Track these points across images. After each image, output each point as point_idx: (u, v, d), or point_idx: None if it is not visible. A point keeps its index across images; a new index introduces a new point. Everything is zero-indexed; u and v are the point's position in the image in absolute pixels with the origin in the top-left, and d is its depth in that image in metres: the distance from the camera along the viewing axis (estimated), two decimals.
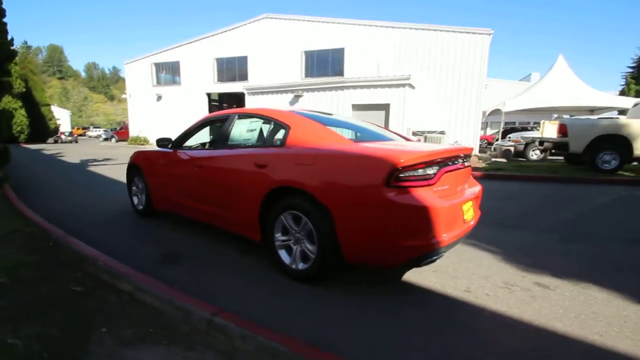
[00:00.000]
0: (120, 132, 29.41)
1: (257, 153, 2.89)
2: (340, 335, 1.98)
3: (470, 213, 2.62)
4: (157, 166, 4.15)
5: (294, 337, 1.80)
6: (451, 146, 2.46)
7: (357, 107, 13.91)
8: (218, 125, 4.12)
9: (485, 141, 22.17)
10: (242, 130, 3.46)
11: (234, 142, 3.38)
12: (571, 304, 2.37)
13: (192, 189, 3.57)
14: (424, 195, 2.18)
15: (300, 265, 2.62)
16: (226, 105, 26.38)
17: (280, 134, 2.85)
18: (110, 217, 4.63)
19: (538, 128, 21.79)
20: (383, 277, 2.78)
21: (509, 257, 3.23)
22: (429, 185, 2.24)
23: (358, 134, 3.08)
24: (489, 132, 29.04)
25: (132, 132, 24.05)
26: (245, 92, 16.70)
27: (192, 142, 4.22)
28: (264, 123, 3.18)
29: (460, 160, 2.63)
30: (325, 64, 17.92)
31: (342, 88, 14.02)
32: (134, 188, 4.73)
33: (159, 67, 22.85)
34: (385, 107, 13.51)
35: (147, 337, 1.86)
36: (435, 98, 15.26)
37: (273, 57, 18.98)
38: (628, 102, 17.94)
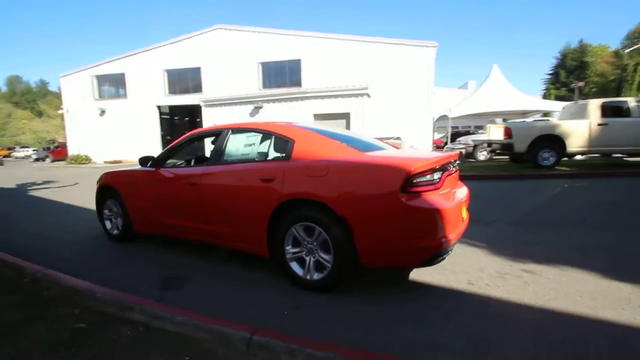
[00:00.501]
0: (57, 151, 26.72)
1: (261, 167, 2.89)
2: (376, 336, 2.06)
3: (464, 212, 2.88)
4: (138, 187, 3.91)
5: (341, 345, 1.85)
6: (448, 152, 2.69)
7: (318, 117, 14.18)
8: (208, 141, 4.01)
9: (435, 145, 23.78)
10: (239, 145, 3.42)
11: (230, 157, 3.33)
12: (558, 285, 2.69)
13: (185, 208, 3.43)
14: (434, 198, 2.37)
15: (316, 276, 2.66)
16: (177, 118, 25.29)
17: (283, 148, 2.88)
18: (82, 246, 4.24)
19: (480, 132, 23.87)
20: (389, 279, 2.91)
21: (492, 249, 3.55)
22: (436, 189, 2.43)
23: (354, 145, 3.21)
24: (436, 136, 31.21)
25: (72, 151, 21.98)
26: (201, 104, 16.19)
27: (171, 159, 4.05)
28: (263, 137, 3.19)
29: (452, 165, 2.88)
30: (282, 75, 18.05)
31: (303, 98, 14.23)
32: (105, 212, 4.38)
33: (102, 79, 21.30)
34: (345, 116, 13.94)
35: None
36: (390, 106, 16.08)
37: (228, 68, 18.68)
38: (553, 105, 20.42)
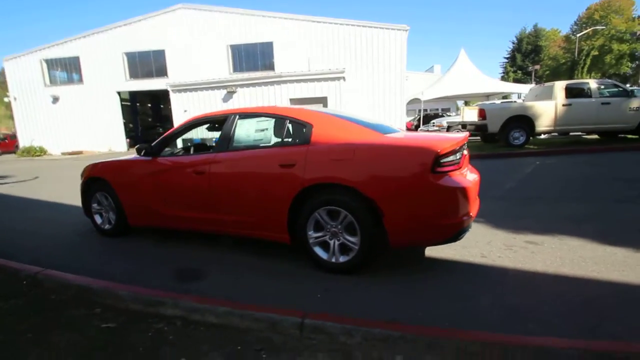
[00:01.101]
0: (4, 144, 24.30)
1: (279, 153, 2.82)
2: (415, 311, 2.13)
3: (477, 191, 3.01)
4: (134, 177, 3.67)
5: (397, 321, 1.90)
6: (462, 134, 2.76)
7: (295, 101, 13.97)
8: (210, 127, 3.83)
9: (407, 128, 24.39)
10: (249, 130, 3.30)
11: (241, 143, 3.21)
12: (562, 253, 2.92)
13: (191, 198, 3.28)
14: (458, 177, 2.45)
15: (341, 258, 2.68)
16: (140, 104, 23.83)
17: (300, 132, 2.82)
18: (72, 241, 3.95)
19: (447, 114, 24.67)
20: (407, 258, 3.01)
21: (491, 224, 3.76)
22: (459, 168, 2.52)
23: (372, 127, 3.20)
24: (406, 119, 32.00)
25: (23, 142, 20.09)
26: (169, 89, 15.34)
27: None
28: (276, 122, 3.09)
29: (465, 147, 2.98)
30: (254, 58, 17.46)
31: (279, 82, 13.91)
32: (94, 206, 4.09)
33: (53, 63, 19.44)
34: (322, 100, 13.85)
35: (243, 356, 1.75)
36: (365, 90, 16.17)
37: (195, 51, 17.75)
38: (514, 87, 21.53)
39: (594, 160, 7.68)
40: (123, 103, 19.95)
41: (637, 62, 40.48)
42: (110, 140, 18.97)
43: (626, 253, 2.85)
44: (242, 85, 14.60)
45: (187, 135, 3.92)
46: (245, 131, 3.27)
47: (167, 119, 27.34)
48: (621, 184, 5.29)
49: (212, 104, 14.98)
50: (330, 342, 1.78)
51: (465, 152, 2.88)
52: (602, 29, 36.67)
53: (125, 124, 20.03)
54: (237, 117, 3.21)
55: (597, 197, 4.69)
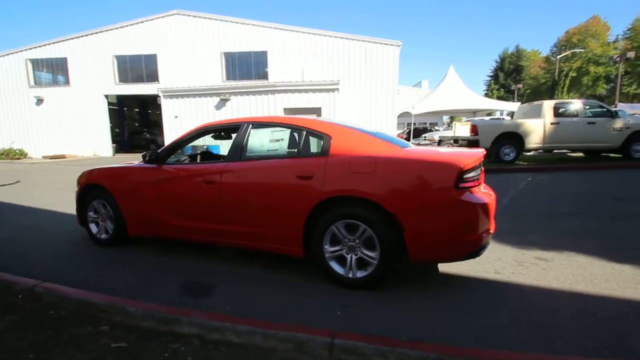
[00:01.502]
0: None
1: (297, 164, 2.77)
2: (440, 328, 2.09)
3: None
4: (137, 185, 3.53)
5: (429, 342, 1.85)
6: (480, 150, 2.78)
7: (288, 111, 13.97)
8: (216, 136, 3.74)
9: None
10: (262, 140, 3.23)
11: (254, 153, 3.14)
12: (572, 270, 2.95)
13: (199, 208, 3.18)
14: (479, 193, 2.46)
15: (359, 274, 2.62)
16: (127, 109, 23.36)
17: (319, 144, 2.79)
18: (65, 251, 3.76)
19: (435, 128, 25.16)
20: (421, 273, 2.98)
21: (498, 239, 3.76)
22: (478, 184, 2.53)
23: (389, 141, 3.18)
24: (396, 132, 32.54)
25: (2, 144, 19.26)
26: (160, 94, 15.09)
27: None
28: (293, 132, 3.04)
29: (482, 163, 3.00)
30: (247, 66, 17.44)
31: (273, 92, 13.90)
32: (90, 214, 3.91)
33: (38, 64, 18.85)
34: (316, 111, 13.90)
35: None
36: (358, 102, 16.35)
37: (188, 57, 17.60)
38: (499, 105, 22.23)
39: (583, 177, 7.94)
40: (110, 107, 19.49)
41: (611, 84, 42.57)
42: (95, 145, 18.42)
43: (633, 270, 2.90)
44: (235, 93, 14.52)
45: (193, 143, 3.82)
46: (259, 141, 3.21)
47: (155, 124, 26.90)
48: (612, 202, 5.46)
49: (204, 111, 14.81)
50: None
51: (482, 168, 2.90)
52: (581, 51, 38.50)
53: (112, 128, 19.52)
54: (251, 126, 3.15)
55: (592, 213, 4.81)
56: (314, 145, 2.85)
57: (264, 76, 17.31)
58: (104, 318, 2.24)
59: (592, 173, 8.50)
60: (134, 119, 26.16)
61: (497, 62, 60.94)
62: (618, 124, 9.30)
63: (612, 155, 10.43)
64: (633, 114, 9.50)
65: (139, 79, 18.29)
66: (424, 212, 2.39)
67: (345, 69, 16.39)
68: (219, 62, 17.46)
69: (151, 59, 17.90)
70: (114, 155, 19.04)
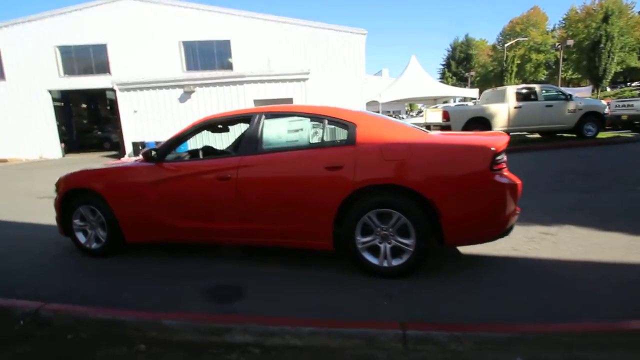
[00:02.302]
0: None
1: (324, 154, 2.65)
2: (490, 307, 2.13)
3: None
4: (134, 186, 3.20)
5: (501, 322, 1.87)
6: (505, 135, 2.83)
7: (259, 103, 13.55)
8: (214, 129, 3.48)
9: None
10: (279, 131, 3.06)
11: (271, 145, 2.96)
12: (579, 242, 3.16)
13: (213, 206, 2.96)
14: (508, 174, 2.53)
15: (394, 262, 2.60)
16: (73, 105, 21.32)
17: (343, 132, 2.69)
18: (53, 264, 3.37)
19: (400, 116, 25.80)
20: (445, 257, 3.03)
21: None
22: (506, 166, 2.60)
23: (413, 127, 3.16)
24: None
25: None
26: (116, 87, 13.91)
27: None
28: (312, 122, 2.90)
29: None
30: (210, 56, 16.59)
31: (241, 82, 13.37)
32: (76, 222, 3.50)
33: None
34: (288, 101, 13.60)
35: None
36: (327, 92, 16.27)
37: (143, 46, 16.33)
38: (460, 92, 23.30)
39: (546, 156, 8.59)
40: (55, 103, 17.61)
41: (550, 70, 46.37)
42: (41, 146, 16.60)
43: (630, 237, 3.17)
44: (200, 85, 13.76)
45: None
46: (276, 132, 3.04)
47: (107, 120, 24.88)
48: (581, 177, 5.96)
49: (166, 104, 13.90)
50: (440, 351, 1.70)
51: None
52: (525, 39, 41.30)
53: (58, 127, 17.70)
54: (264, 116, 2.97)
55: (567, 189, 5.20)
56: (338, 134, 2.76)
57: (228, 66, 16.60)
58: (138, 336, 2.01)
59: (552, 152, 9.23)
60: (81, 116, 23.95)
61: (449, 51, 63.81)
62: (572, 106, 10.14)
63: (566, 135, 11.38)
64: (583, 97, 10.39)
65: (87, 71, 16.67)
66: (461, 196, 2.41)
67: (313, 58, 16.18)
68: (177, 51, 16.41)
69: (100, 49, 16.36)
70: (63, 156, 17.32)
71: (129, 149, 14.38)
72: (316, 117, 2.85)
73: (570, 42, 23.76)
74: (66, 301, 2.46)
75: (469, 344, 1.70)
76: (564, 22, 44.31)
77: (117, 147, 19.96)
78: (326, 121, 2.79)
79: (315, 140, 2.79)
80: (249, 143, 2.91)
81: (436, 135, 2.72)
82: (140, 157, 3.23)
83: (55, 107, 17.34)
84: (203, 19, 16.11)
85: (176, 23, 16.15)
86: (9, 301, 2.36)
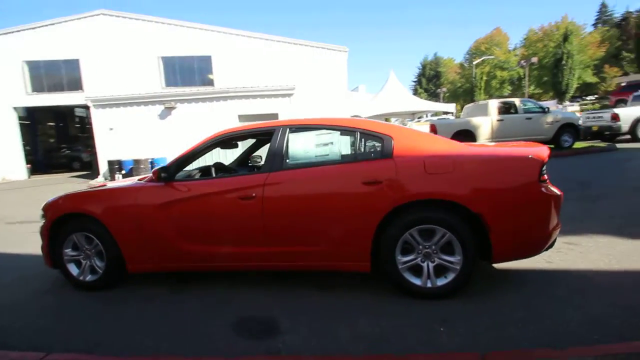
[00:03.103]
0: None
1: (361, 169, 2.48)
2: (549, 327, 2.00)
3: None
4: (141, 209, 2.87)
5: (585, 345, 1.72)
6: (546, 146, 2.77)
7: (244, 118, 13.28)
8: (224, 145, 3.23)
9: None
10: (306, 145, 2.86)
11: (297, 160, 2.76)
12: (605, 250, 3.14)
13: (234, 228, 2.69)
14: (551, 186, 2.46)
15: (439, 282, 2.44)
16: (39, 124, 20.09)
17: (379, 145, 2.55)
18: (41, 304, 2.94)
19: None
20: (479, 274, 2.90)
21: None
22: (547, 177, 2.53)
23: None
24: None
25: None
26: (90, 104, 13.21)
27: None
28: (343, 135, 2.73)
29: None
30: (190, 72, 16.24)
31: (225, 98, 13.09)
32: (67, 251, 3.09)
33: None
34: (273, 117, 13.42)
35: None
36: (311, 108, 16.26)
37: (118, 61, 15.74)
38: (437, 106, 24.09)
39: None
40: (20, 122, 16.47)
41: (514, 86, 49.25)
42: (4, 167, 15.35)
43: None
44: (182, 101, 13.33)
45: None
46: (302, 146, 2.85)
47: (77, 139, 23.57)
48: (577, 186, 6.13)
49: (145, 121, 13.32)
50: None
51: None
52: (491, 58, 43.78)
53: (23, 146, 16.51)
54: (288, 130, 2.77)
55: (572, 198, 5.28)
56: (374, 147, 2.61)
57: (209, 82, 16.28)
58: None
59: None
60: (48, 134, 22.56)
61: (419, 68, 66.68)
62: (550, 118, 10.65)
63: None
64: (559, 110, 10.95)
65: (57, 88, 15.78)
66: (510, 209, 2.31)
67: (296, 74, 16.20)
68: (156, 67, 15.93)
69: (73, 65, 15.57)
70: (29, 177, 16.10)
71: (103, 168, 13.58)
72: (347, 130, 2.69)
73: (534, 59, 25.47)
74: (70, 349, 2.11)
75: None
76: (524, 41, 47.60)
77: (88, 167, 18.88)
78: (358, 134, 2.64)
79: (348, 154, 2.62)
80: (274, 158, 2.70)
81: (476, 146, 2.63)
82: (132, 177, 2.92)
83: (20, 125, 16.22)
84: (183, 34, 15.81)
85: (155, 38, 15.74)
86: (2, 353, 1.96)
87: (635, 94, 11.94)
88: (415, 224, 2.39)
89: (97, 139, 13.50)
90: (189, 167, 3.18)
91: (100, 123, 13.47)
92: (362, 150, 2.65)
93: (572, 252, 3.17)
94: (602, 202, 4.83)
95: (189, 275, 3.19)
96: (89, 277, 3.08)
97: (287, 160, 2.70)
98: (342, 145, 2.70)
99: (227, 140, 3.02)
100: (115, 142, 13.42)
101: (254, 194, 2.61)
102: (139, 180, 3.24)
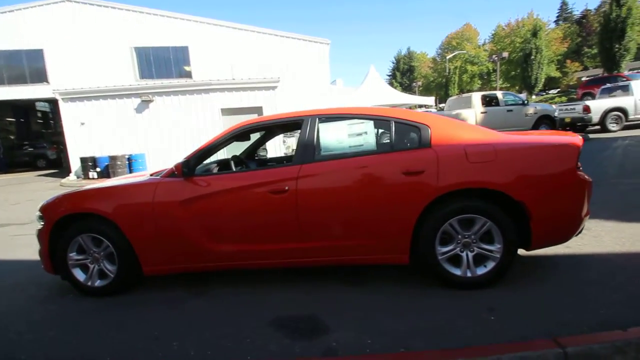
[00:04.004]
0: None
1: (401, 159, 2.41)
2: (594, 312, 2.04)
3: None
4: (158, 206, 2.67)
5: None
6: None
7: (227, 112, 12.86)
8: (239, 138, 3.06)
9: None
10: (339, 135, 2.74)
11: (331, 151, 2.65)
12: (617, 234, 3.27)
13: (267, 224, 2.56)
14: (584, 172, 2.51)
15: (478, 271, 2.44)
16: None
17: (416, 135, 2.49)
18: (43, 315, 2.67)
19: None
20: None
21: None
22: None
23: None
24: None
25: None
26: (58, 97, 12.29)
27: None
28: (376, 125, 2.64)
29: None
30: (166, 63, 15.50)
31: (207, 91, 12.59)
32: (71, 255, 2.84)
33: None
34: (257, 110, 13.11)
35: None
36: (295, 100, 16.05)
37: (88, 52, 14.74)
38: (417, 99, 24.53)
39: None
40: None
41: (483, 80, 51.05)
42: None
43: None
44: (160, 94, 12.68)
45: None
46: (335, 136, 2.74)
47: (40, 135, 21.97)
48: None
49: (121, 115, 12.57)
50: None
51: None
52: (463, 52, 45.03)
53: None
54: (317, 120, 2.66)
55: None
56: (411, 137, 2.55)
57: (187, 75, 15.64)
58: None
59: None
60: (8, 131, 20.85)
61: (393, 62, 67.61)
62: (529, 110, 11.11)
63: None
64: (537, 102, 11.43)
65: (19, 80, 14.55)
66: (550, 196, 2.34)
67: (278, 67, 15.88)
68: (129, 58, 15.07)
69: (36, 55, 14.40)
70: None
71: (75, 165, 12.74)
72: (381, 120, 2.61)
73: (505, 54, 26.50)
74: None
75: (633, 353, 1.57)
76: (492, 37, 49.32)
77: (56, 165, 17.68)
78: (393, 123, 2.57)
79: (384, 143, 2.55)
80: (305, 149, 2.58)
81: (512, 135, 2.64)
82: (144, 172, 2.71)
83: None
84: (157, 23, 15.01)
85: (126, 27, 14.85)
86: None
87: (603, 87, 12.68)
88: (455, 214, 2.37)
89: (67, 135, 12.61)
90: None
91: (71, 117, 12.58)
92: (399, 139, 2.58)
93: (586, 237, 3.28)
94: (593, 189, 5.05)
95: (205, 275, 3.02)
96: (97, 282, 2.85)
97: (320, 151, 2.60)
98: (377, 135, 2.62)
99: (252, 131, 2.86)
100: (88, 137, 12.62)
101: (286, 188, 2.48)
102: (152, 175, 3.02)
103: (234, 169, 3.05)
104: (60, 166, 16.36)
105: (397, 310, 2.28)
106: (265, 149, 3.83)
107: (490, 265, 2.42)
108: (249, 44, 15.66)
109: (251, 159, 3.76)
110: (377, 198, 2.42)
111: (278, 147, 12.36)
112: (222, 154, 3.68)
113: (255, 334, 2.12)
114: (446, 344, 1.87)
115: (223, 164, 3.20)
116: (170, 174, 2.72)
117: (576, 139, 2.41)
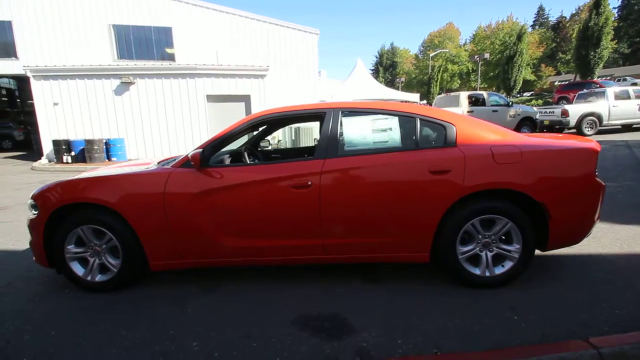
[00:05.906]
0: None
1: (429, 157, 2.39)
2: (619, 309, 2.13)
3: None
4: (170, 198, 2.51)
5: None
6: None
7: (213, 99, 12.44)
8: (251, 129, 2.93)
9: None
10: (363, 130, 2.66)
11: (354, 147, 2.57)
12: (614, 235, 3.42)
13: (287, 219, 2.47)
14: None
15: (496, 271, 2.48)
16: None
17: (441, 133, 2.47)
18: (39, 312, 2.48)
19: None
20: None
21: None
22: None
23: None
24: None
25: None
26: (29, 74, 11.43)
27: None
28: (401, 121, 2.59)
29: None
30: (148, 44, 14.73)
31: (192, 75, 12.08)
32: (69, 248, 2.64)
33: None
34: (245, 99, 12.78)
35: None
36: (283, 90, 15.76)
37: (61, 26, 13.75)
38: (402, 95, 24.72)
39: None
40: None
41: (462, 80, 52.30)
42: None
43: None
44: (142, 76, 12.05)
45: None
46: (359, 131, 2.66)
47: (4, 114, 20.42)
48: None
49: (98, 97, 11.86)
50: None
51: None
52: (446, 51, 45.75)
53: None
54: (340, 113, 2.58)
55: None
56: (436, 135, 2.52)
57: (170, 57, 14.96)
58: None
59: None
60: None
61: (376, 57, 67.86)
62: (512, 111, 11.47)
63: None
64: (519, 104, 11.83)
65: None
66: (570, 198, 2.39)
67: (265, 54, 15.49)
68: (107, 36, 14.19)
69: (3, 28, 13.26)
70: None
71: (47, 148, 11.96)
72: (406, 116, 2.57)
73: (487, 55, 27.17)
74: None
75: None
76: (473, 37, 50.43)
77: (24, 147, 16.56)
78: (418, 120, 2.54)
79: (409, 141, 2.51)
80: (329, 143, 2.50)
81: (534, 137, 2.67)
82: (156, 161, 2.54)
83: None
84: (138, 0, 14.19)
85: (104, 2, 13.94)
86: None
87: (580, 92, 13.28)
88: (478, 214, 2.39)
89: (39, 115, 11.78)
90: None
91: (43, 97, 11.74)
92: (424, 137, 2.55)
93: (587, 238, 3.42)
94: None
95: (211, 271, 2.90)
96: (98, 277, 2.68)
97: (344, 146, 2.53)
98: (403, 131, 2.57)
99: (269, 122, 2.75)
100: (62, 119, 11.86)
101: (309, 182, 2.40)
102: (160, 163, 2.85)
103: (247, 161, 2.91)
104: (29, 148, 15.31)
105: (420, 309, 2.28)
106: (268, 141, 3.70)
107: (508, 265, 2.47)
108: (236, 29, 15.14)
109: (256, 150, 3.63)
110: (402, 196, 2.39)
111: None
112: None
113: (280, 334, 2.05)
114: (479, 344, 1.88)
115: (234, 155, 3.06)
116: (184, 163, 2.56)
117: (594, 144, 2.47)
